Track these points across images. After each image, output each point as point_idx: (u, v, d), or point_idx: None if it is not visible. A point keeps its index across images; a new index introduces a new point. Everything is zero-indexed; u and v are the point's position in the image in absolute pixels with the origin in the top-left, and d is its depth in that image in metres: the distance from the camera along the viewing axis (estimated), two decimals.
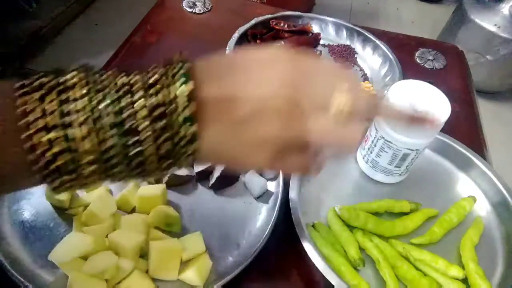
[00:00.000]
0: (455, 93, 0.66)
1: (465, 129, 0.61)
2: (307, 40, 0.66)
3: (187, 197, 0.47)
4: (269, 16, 0.66)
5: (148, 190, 0.44)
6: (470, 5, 1.59)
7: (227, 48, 0.60)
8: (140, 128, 0.22)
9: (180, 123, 0.23)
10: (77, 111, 0.21)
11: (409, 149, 0.44)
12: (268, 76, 0.25)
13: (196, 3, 0.76)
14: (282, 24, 0.65)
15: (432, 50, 0.73)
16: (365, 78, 0.65)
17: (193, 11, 0.75)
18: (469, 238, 0.43)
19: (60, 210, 0.44)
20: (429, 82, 0.45)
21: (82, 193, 0.46)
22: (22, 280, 0.37)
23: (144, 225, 0.41)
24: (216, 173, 0.47)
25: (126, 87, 0.22)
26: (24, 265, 0.39)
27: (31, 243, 0.41)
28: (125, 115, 0.22)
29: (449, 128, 0.50)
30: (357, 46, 0.69)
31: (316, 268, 0.39)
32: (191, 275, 0.39)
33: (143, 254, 0.41)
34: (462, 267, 0.41)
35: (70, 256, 0.38)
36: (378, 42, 0.66)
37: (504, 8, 1.52)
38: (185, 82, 0.22)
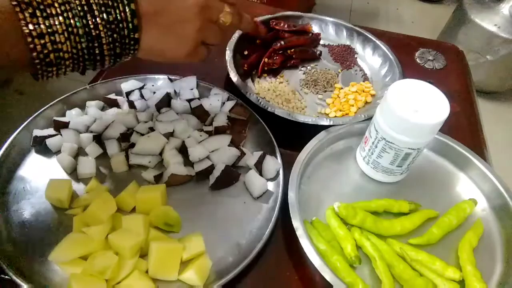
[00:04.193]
0: (455, 93, 0.66)
1: (465, 129, 0.61)
2: (307, 40, 0.66)
3: (187, 197, 0.47)
4: (269, 16, 0.66)
5: (148, 190, 0.44)
6: (470, 5, 1.59)
7: (227, 48, 0.60)
8: (101, 35, 0.33)
9: (128, 31, 0.34)
10: (57, 24, 0.31)
11: (411, 149, 0.44)
12: None
13: None
14: (282, 24, 0.65)
15: (432, 50, 0.73)
16: (365, 78, 0.65)
17: None
18: (468, 241, 0.43)
19: (60, 210, 0.44)
20: (429, 82, 0.45)
21: (82, 193, 0.46)
22: (22, 280, 0.37)
23: (144, 225, 0.41)
24: (216, 173, 0.47)
25: (88, 5, 0.32)
26: (24, 265, 0.39)
27: (31, 243, 0.41)
28: (91, 26, 0.32)
29: (449, 128, 0.50)
30: (357, 46, 0.69)
31: (316, 268, 0.39)
32: (191, 275, 0.39)
33: (143, 254, 0.41)
34: (460, 269, 0.41)
35: (70, 256, 0.38)
36: (378, 42, 0.66)
37: (504, 8, 1.52)
38: (129, 2, 0.33)
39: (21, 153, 0.48)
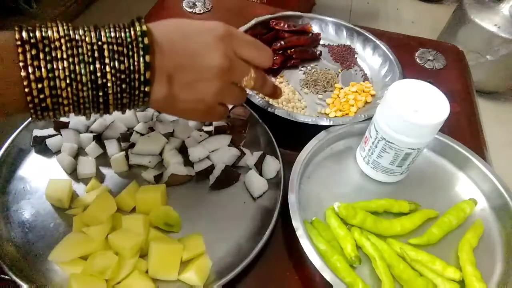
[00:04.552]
0: (455, 93, 0.66)
1: (465, 129, 0.61)
2: (307, 40, 0.66)
3: (187, 197, 0.47)
4: (269, 16, 0.66)
5: (148, 190, 0.44)
6: (470, 5, 1.59)
7: None
8: (108, 84, 0.30)
9: (138, 83, 0.32)
10: (61, 69, 0.29)
11: (411, 149, 0.44)
12: (209, 47, 0.34)
13: (196, 3, 0.76)
14: (282, 24, 0.65)
15: (432, 50, 0.73)
16: (365, 78, 0.65)
17: (193, 11, 0.75)
18: (468, 241, 0.43)
19: (60, 210, 0.44)
20: (429, 82, 0.45)
21: (82, 193, 0.46)
22: (22, 280, 0.37)
23: (144, 225, 0.41)
24: (216, 173, 0.47)
25: (99, 51, 0.30)
26: (24, 265, 0.39)
27: (31, 243, 0.41)
28: (98, 74, 0.30)
29: (449, 128, 0.50)
30: (357, 46, 0.69)
31: (316, 268, 0.39)
32: (191, 275, 0.39)
33: (143, 254, 0.41)
34: (460, 269, 0.41)
35: (70, 256, 0.38)
36: (378, 42, 0.66)
37: (504, 8, 1.52)
38: (145, 53, 0.31)
39: (21, 153, 0.48)
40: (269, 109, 0.53)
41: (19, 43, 0.28)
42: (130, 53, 0.31)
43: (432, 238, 0.44)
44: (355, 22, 0.71)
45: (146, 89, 0.32)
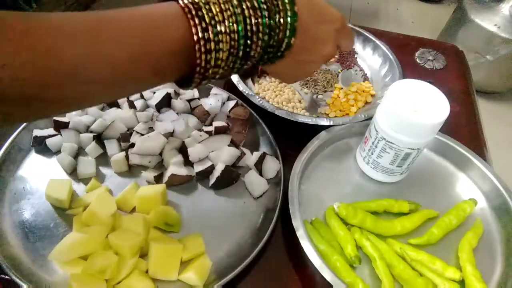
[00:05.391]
0: (455, 93, 0.66)
1: (465, 129, 0.61)
2: None
3: (187, 197, 0.47)
4: None
5: (148, 190, 0.44)
6: (470, 5, 1.59)
7: None
8: (255, 56, 0.32)
9: (274, 54, 0.34)
10: (223, 42, 0.29)
11: (411, 148, 0.44)
12: (328, 38, 0.38)
13: None
14: None
15: (432, 50, 0.73)
16: (365, 78, 0.65)
17: None
18: (468, 241, 0.43)
19: (60, 210, 0.44)
20: (429, 82, 0.45)
21: (82, 193, 0.46)
22: (22, 280, 0.37)
23: (144, 225, 0.41)
24: (216, 173, 0.47)
25: (251, 10, 0.30)
26: (24, 265, 0.39)
27: (31, 243, 0.41)
28: (253, 46, 0.31)
29: (449, 128, 0.50)
30: (357, 46, 0.69)
31: (316, 268, 0.39)
32: (191, 275, 0.39)
33: (143, 254, 0.41)
34: (460, 269, 0.41)
35: (70, 256, 0.38)
36: (378, 42, 0.66)
37: (504, 8, 1.52)
38: (292, 25, 0.32)
39: (21, 153, 0.48)
40: (269, 109, 0.53)
41: (186, 9, 0.28)
42: (278, 16, 0.32)
43: (432, 238, 0.44)
44: (355, 22, 0.71)
45: (283, 53, 0.34)
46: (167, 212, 0.43)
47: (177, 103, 0.54)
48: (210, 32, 0.28)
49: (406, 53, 0.71)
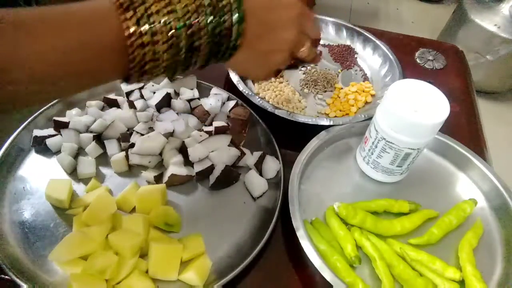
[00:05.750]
0: (455, 93, 0.66)
1: (465, 129, 0.61)
2: None
3: (187, 197, 0.47)
4: None
5: (148, 190, 0.44)
6: (470, 5, 1.59)
7: None
8: (202, 47, 0.31)
9: (227, 45, 0.32)
10: (161, 33, 0.28)
11: (411, 149, 0.44)
12: (289, 23, 0.36)
13: None
14: None
15: (432, 50, 0.73)
16: (365, 78, 0.65)
17: None
18: (468, 241, 0.43)
19: (60, 210, 0.44)
20: (429, 82, 0.45)
21: (82, 193, 0.46)
22: (22, 280, 0.37)
23: (144, 225, 0.41)
24: (216, 173, 0.47)
25: (193, 7, 0.29)
26: (24, 265, 0.39)
27: (31, 243, 0.41)
28: (195, 37, 0.30)
29: (449, 128, 0.50)
30: (357, 46, 0.69)
31: (316, 268, 0.39)
32: (191, 275, 0.39)
33: (143, 254, 0.41)
34: (460, 269, 0.41)
35: (70, 256, 0.38)
36: (378, 42, 0.66)
37: (504, 8, 1.52)
38: (239, 11, 0.31)
39: (21, 153, 0.48)
40: (269, 109, 0.53)
41: (118, 3, 0.27)
42: (225, 9, 0.30)
43: (432, 238, 0.44)
44: (355, 22, 0.71)
45: (232, 51, 0.33)
46: (167, 212, 0.43)
47: (177, 103, 0.54)
48: (143, 25, 0.27)
49: (406, 53, 0.71)
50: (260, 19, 0.34)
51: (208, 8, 0.30)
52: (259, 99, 0.54)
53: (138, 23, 0.27)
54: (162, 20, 0.28)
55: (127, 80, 0.31)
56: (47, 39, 0.25)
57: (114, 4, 0.27)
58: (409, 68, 0.68)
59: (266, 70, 0.40)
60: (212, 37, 0.31)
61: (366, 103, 0.60)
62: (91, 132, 0.50)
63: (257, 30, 0.34)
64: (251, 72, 0.41)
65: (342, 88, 0.62)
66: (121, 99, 0.54)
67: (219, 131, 0.51)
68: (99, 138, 0.50)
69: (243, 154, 0.50)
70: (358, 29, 0.69)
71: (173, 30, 0.28)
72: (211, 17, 0.30)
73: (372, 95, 0.61)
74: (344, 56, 0.68)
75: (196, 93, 0.56)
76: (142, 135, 0.49)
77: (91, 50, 0.27)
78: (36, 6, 0.27)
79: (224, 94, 0.56)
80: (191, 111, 0.54)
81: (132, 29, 0.27)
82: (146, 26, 0.27)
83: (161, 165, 0.49)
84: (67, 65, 0.26)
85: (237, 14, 0.31)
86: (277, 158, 0.49)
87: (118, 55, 0.28)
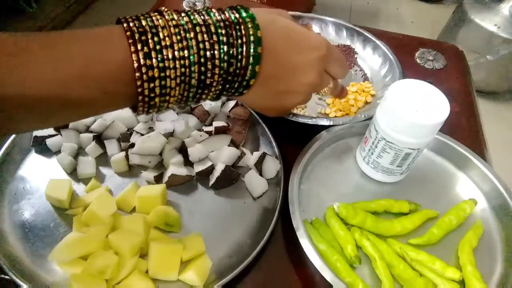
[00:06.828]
0: (455, 93, 0.66)
1: (465, 129, 0.61)
2: None
3: (187, 197, 0.47)
4: None
5: (148, 190, 0.44)
6: (470, 5, 1.59)
7: None
8: (213, 83, 0.30)
9: (240, 83, 0.31)
10: (172, 68, 0.27)
11: (411, 149, 0.44)
12: (310, 66, 0.35)
13: (196, 3, 0.76)
14: None
15: (432, 50, 0.73)
16: (365, 78, 0.65)
17: None
18: (468, 241, 0.43)
19: (60, 210, 0.44)
20: (429, 82, 0.45)
21: (82, 193, 0.46)
22: (22, 280, 0.37)
23: (144, 225, 0.41)
24: (216, 173, 0.47)
25: (208, 43, 0.28)
26: (24, 265, 0.39)
27: (31, 243, 0.41)
28: (207, 74, 0.29)
29: (449, 128, 0.50)
30: (357, 46, 0.69)
31: (316, 268, 0.39)
32: (191, 275, 0.39)
33: (143, 254, 0.41)
34: (460, 269, 0.41)
35: (70, 256, 0.38)
36: (378, 42, 0.66)
37: (504, 8, 1.52)
38: (255, 51, 0.30)
39: (21, 153, 0.48)
40: None
41: (128, 33, 0.26)
42: (243, 48, 0.29)
43: (432, 238, 0.44)
44: (355, 22, 0.71)
45: (244, 89, 0.32)
46: (167, 212, 0.43)
47: None
48: (154, 58, 0.26)
49: (406, 53, 0.71)
50: (278, 60, 0.32)
51: (225, 46, 0.28)
52: None
53: (149, 56, 0.26)
54: (175, 55, 0.26)
55: (133, 111, 0.30)
56: (48, 66, 0.24)
57: (124, 33, 0.26)
58: (409, 68, 0.68)
59: (280, 109, 0.39)
60: (225, 74, 0.29)
61: (366, 103, 0.60)
62: (91, 132, 0.50)
63: (273, 70, 0.32)
64: (263, 109, 0.40)
65: None
66: None
67: (219, 131, 0.51)
68: (99, 138, 0.50)
69: (243, 154, 0.50)
70: (358, 29, 0.69)
71: (185, 67, 0.27)
72: (227, 57, 0.29)
73: (372, 95, 0.61)
74: (344, 56, 0.68)
75: None
76: (142, 135, 0.49)
77: (94, 81, 0.25)
78: (39, 32, 0.25)
79: None
80: (191, 111, 0.54)
81: (141, 62, 0.26)
82: (157, 60, 0.26)
83: (161, 165, 0.49)
84: (65, 95, 0.25)
85: (253, 54, 0.30)
86: (277, 158, 0.49)
87: (124, 87, 0.27)
